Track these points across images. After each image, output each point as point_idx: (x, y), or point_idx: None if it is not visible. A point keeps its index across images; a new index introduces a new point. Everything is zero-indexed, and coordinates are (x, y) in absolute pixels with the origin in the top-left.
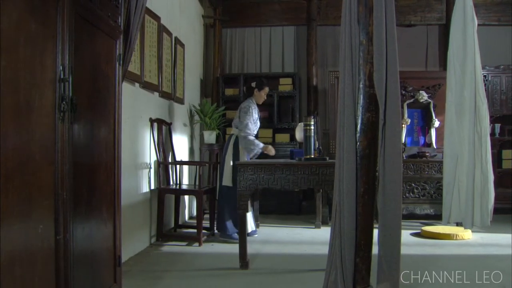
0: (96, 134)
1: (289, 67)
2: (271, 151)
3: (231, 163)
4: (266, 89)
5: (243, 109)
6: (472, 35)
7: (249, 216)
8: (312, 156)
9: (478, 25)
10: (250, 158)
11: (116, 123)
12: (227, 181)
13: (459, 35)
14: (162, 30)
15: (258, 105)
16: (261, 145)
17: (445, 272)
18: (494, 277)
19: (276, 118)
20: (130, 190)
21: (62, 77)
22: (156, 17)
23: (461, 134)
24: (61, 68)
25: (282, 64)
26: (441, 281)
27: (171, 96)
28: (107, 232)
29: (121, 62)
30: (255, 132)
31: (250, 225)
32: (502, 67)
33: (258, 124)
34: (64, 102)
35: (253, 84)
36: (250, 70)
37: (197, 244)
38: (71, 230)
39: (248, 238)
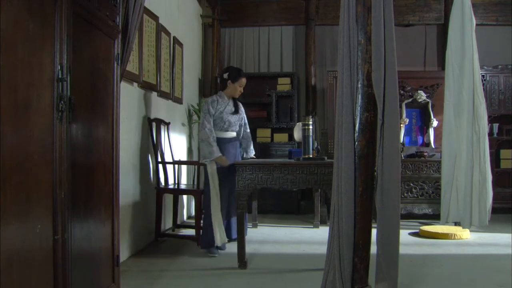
0: (94, 133)
1: (288, 66)
2: (225, 162)
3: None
4: (242, 81)
5: (204, 106)
6: (470, 35)
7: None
8: (311, 156)
9: (477, 25)
10: (201, 162)
11: (114, 122)
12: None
13: (457, 35)
14: (160, 29)
15: (236, 98)
16: (215, 155)
17: (444, 271)
18: (493, 276)
19: (274, 118)
20: (129, 190)
21: (60, 76)
22: (154, 17)
23: (460, 133)
24: (59, 68)
25: (280, 64)
26: (439, 281)
27: (170, 96)
28: (105, 231)
29: (119, 61)
30: (225, 126)
31: (221, 237)
32: (500, 67)
33: (226, 117)
34: (62, 102)
35: (226, 75)
36: (249, 70)
37: (195, 243)
38: (69, 230)
39: (246, 237)
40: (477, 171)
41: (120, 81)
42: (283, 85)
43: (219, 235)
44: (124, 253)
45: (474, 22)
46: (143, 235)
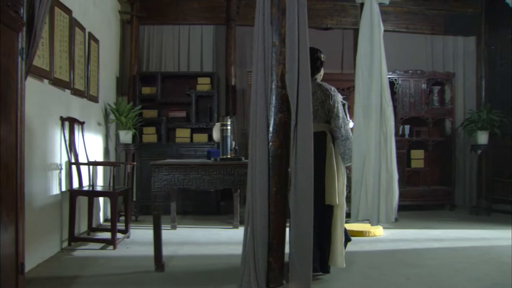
0: None
1: (208, 66)
2: None
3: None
4: None
5: (334, 95)
6: (378, 41)
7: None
8: (228, 156)
9: (389, 31)
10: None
11: (19, 121)
12: (332, 198)
13: (366, 40)
14: (74, 24)
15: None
16: None
17: (357, 267)
18: (401, 270)
19: (194, 118)
20: (39, 193)
21: None
22: (67, 10)
23: (368, 134)
24: None
25: (200, 63)
26: (354, 277)
27: (84, 94)
28: (7, 238)
29: (24, 56)
30: None
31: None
32: (410, 71)
33: None
34: None
35: (323, 57)
36: (168, 69)
37: (111, 247)
38: None
39: (164, 239)
40: (384, 170)
41: (26, 77)
42: (203, 85)
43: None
44: (32, 260)
45: (382, 29)
46: (55, 240)
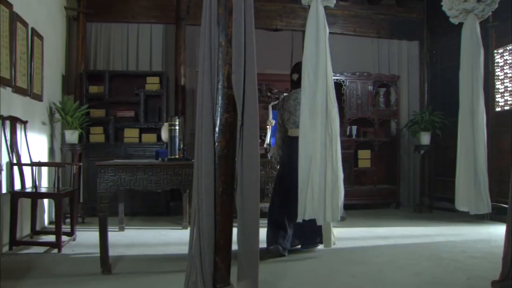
0: None
1: (157, 65)
2: None
3: None
4: None
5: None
6: (324, 43)
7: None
8: (176, 157)
9: (337, 34)
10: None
11: None
12: None
13: (312, 42)
14: (15, 19)
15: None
16: None
17: (304, 266)
18: (347, 268)
19: (142, 118)
20: None
21: None
22: (7, 4)
23: (314, 135)
24: None
25: (150, 63)
26: (302, 276)
27: (27, 92)
28: None
29: None
30: None
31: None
32: (357, 73)
33: None
34: None
35: None
36: (116, 67)
37: (56, 250)
38: None
39: (112, 241)
40: (330, 170)
41: None
42: (152, 84)
43: None
44: None
45: (328, 31)
46: None
